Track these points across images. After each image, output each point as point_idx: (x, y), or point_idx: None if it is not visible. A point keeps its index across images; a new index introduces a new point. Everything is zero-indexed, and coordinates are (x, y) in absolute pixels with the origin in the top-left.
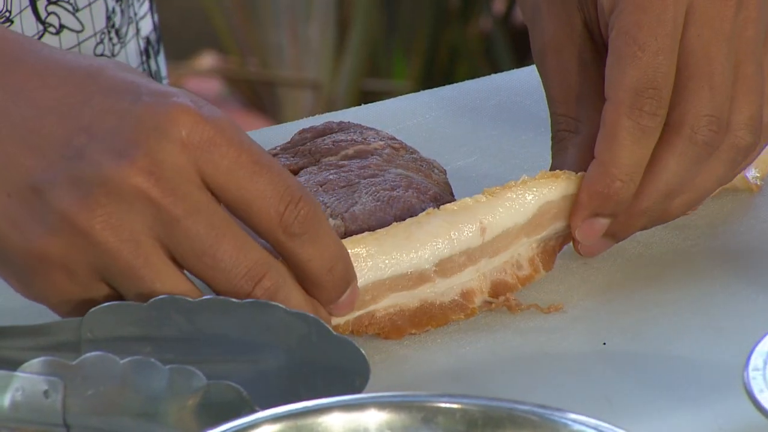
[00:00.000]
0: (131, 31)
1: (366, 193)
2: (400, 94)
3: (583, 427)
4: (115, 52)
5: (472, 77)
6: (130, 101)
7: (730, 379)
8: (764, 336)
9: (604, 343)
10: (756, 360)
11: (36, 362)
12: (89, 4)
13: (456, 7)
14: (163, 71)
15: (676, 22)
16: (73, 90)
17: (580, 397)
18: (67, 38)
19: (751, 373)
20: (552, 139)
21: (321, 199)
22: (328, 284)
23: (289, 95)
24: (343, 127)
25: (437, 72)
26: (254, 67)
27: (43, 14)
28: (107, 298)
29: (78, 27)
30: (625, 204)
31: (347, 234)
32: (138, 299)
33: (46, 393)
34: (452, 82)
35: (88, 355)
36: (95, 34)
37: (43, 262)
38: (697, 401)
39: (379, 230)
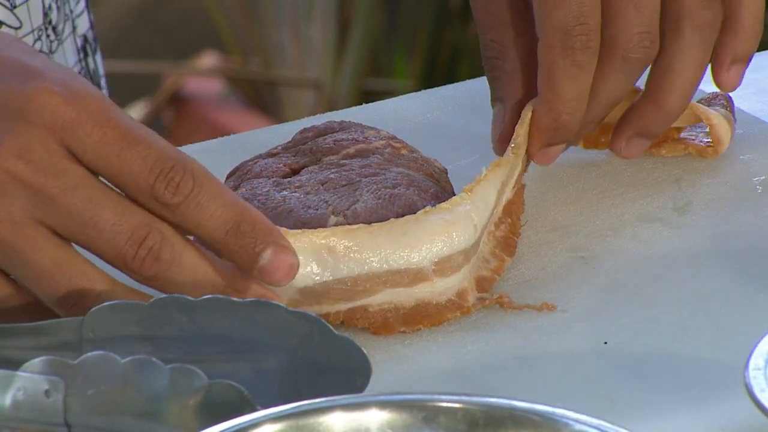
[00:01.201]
0: (68, 28)
1: (367, 191)
2: (402, 94)
3: (584, 427)
4: (53, 49)
5: (473, 77)
6: None
7: (731, 378)
8: (765, 335)
9: (605, 343)
10: (756, 359)
11: (37, 362)
12: (26, 1)
13: (457, 6)
14: (101, 69)
15: None
16: None
17: (582, 397)
18: None
19: (752, 373)
20: (484, 67)
21: (322, 197)
22: (232, 247)
23: (291, 95)
24: (344, 126)
25: (438, 71)
26: (256, 66)
27: None
28: None
29: (16, 24)
30: (575, 129)
31: None
32: (23, 275)
33: (47, 392)
34: (453, 82)
35: (89, 354)
36: (33, 31)
37: None
38: (698, 400)
39: (374, 224)
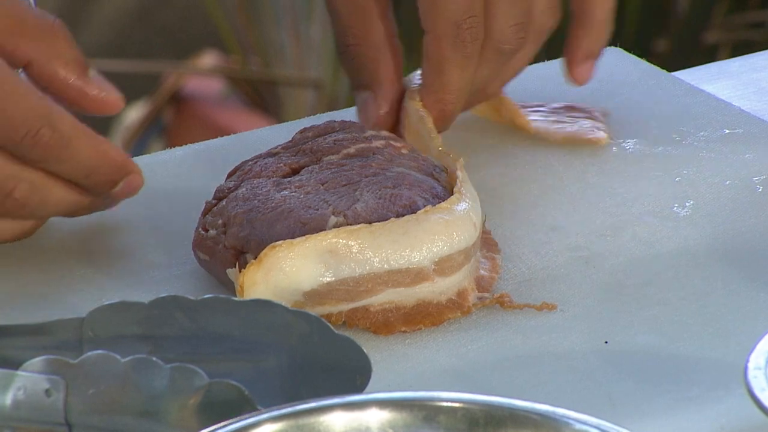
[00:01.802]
0: None
1: (368, 191)
2: None
3: (584, 426)
4: None
5: None
6: None
7: (732, 377)
8: (765, 334)
9: (606, 342)
10: (757, 359)
11: (37, 361)
12: None
13: None
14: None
15: None
16: None
17: (582, 396)
18: None
19: (752, 372)
20: (341, 55)
21: (323, 197)
22: (92, 187)
23: (291, 94)
24: (344, 126)
25: None
26: (256, 66)
27: None
28: None
29: None
30: (456, 118)
31: None
32: None
33: (47, 392)
34: None
35: (89, 353)
36: None
37: None
38: (698, 400)
39: (375, 224)
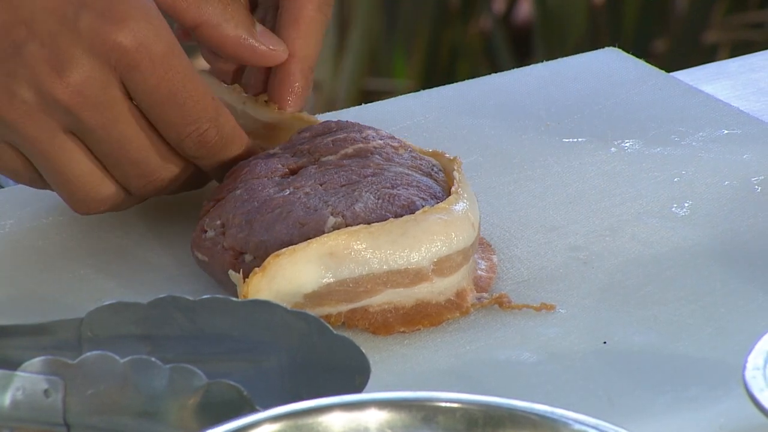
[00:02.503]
0: None
1: (367, 192)
2: (401, 94)
3: (583, 427)
4: None
5: (473, 77)
6: (75, 8)
7: (730, 377)
8: (764, 334)
9: (605, 342)
10: (755, 359)
11: (36, 361)
12: None
13: (456, 6)
14: None
15: None
16: None
17: (581, 396)
18: None
19: (751, 372)
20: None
21: (321, 197)
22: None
23: None
24: (342, 126)
25: (438, 71)
26: None
27: None
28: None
29: None
30: None
31: None
32: (50, 179)
33: (46, 392)
34: (452, 82)
35: (88, 354)
36: None
37: None
38: (697, 400)
39: (374, 224)
